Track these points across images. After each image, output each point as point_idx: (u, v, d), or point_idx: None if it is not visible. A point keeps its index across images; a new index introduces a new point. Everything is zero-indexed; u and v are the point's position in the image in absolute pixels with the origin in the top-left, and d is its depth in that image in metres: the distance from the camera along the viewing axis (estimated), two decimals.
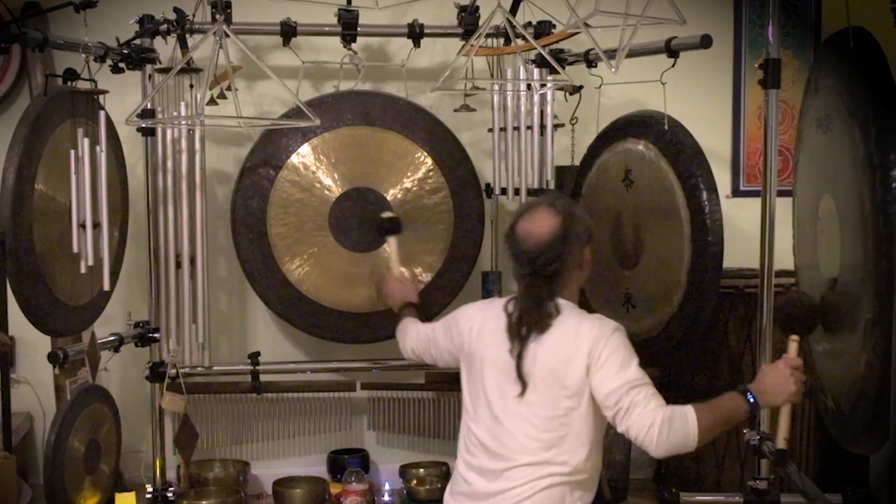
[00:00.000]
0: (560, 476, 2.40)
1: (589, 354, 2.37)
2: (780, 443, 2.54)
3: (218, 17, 3.07)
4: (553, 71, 3.59)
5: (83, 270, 3.07)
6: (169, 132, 3.57)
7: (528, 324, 2.45)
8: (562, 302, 2.49)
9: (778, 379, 2.44)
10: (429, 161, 3.76)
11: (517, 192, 3.69)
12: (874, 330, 2.29)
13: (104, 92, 3.20)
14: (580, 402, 2.39)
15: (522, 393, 2.42)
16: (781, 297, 2.64)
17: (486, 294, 3.83)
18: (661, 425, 2.28)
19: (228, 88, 3.59)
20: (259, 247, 3.69)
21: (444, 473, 3.87)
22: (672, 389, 3.48)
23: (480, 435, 2.50)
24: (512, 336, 2.47)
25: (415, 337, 2.93)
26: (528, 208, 2.57)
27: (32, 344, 3.81)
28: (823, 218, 2.61)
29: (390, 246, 3.52)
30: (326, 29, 3.62)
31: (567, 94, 3.68)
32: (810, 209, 2.63)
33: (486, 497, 2.45)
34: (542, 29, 3.57)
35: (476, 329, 2.58)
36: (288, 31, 3.56)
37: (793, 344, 2.54)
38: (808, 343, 2.88)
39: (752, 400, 2.39)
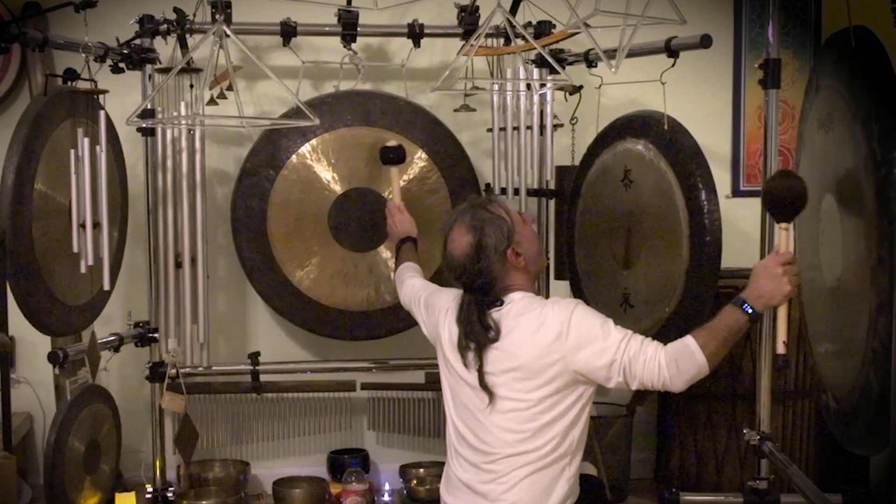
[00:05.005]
0: (543, 460, 2.42)
1: (559, 341, 2.37)
2: (780, 347, 2.47)
3: (218, 17, 3.06)
4: (553, 71, 3.59)
5: (83, 270, 3.06)
6: (169, 132, 3.57)
7: (475, 339, 2.46)
8: (515, 296, 2.50)
9: (771, 281, 2.39)
10: (428, 161, 3.76)
11: (517, 191, 3.69)
12: (876, 330, 2.28)
13: (104, 92, 3.19)
14: (555, 389, 2.40)
15: (490, 400, 2.43)
16: (770, 181, 2.50)
17: None
18: (667, 366, 2.33)
19: (229, 88, 3.59)
20: (259, 247, 3.69)
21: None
22: None
23: (462, 429, 2.52)
24: (464, 352, 2.48)
25: (408, 293, 2.94)
26: (449, 228, 2.57)
27: (32, 344, 3.81)
28: (825, 218, 2.61)
29: (392, 176, 3.49)
30: (326, 29, 3.61)
31: (567, 94, 3.67)
32: (812, 209, 2.62)
33: (474, 487, 2.48)
34: (542, 29, 3.57)
35: (446, 327, 2.58)
36: (288, 31, 3.55)
37: (783, 233, 2.43)
38: (809, 343, 2.88)
39: (750, 311, 2.37)
